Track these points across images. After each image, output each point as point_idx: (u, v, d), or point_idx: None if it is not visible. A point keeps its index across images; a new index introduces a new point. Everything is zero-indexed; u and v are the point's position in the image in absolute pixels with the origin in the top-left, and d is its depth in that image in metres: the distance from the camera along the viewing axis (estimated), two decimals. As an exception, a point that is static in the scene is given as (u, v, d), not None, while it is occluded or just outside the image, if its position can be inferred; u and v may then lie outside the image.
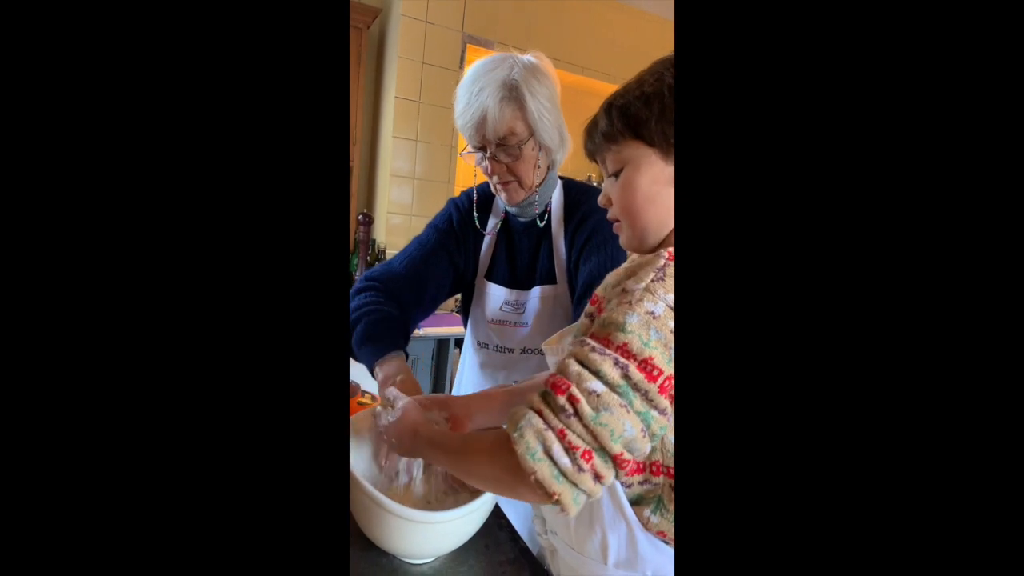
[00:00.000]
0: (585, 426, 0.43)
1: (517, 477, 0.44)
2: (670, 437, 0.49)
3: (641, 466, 0.51)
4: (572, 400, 0.43)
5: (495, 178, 0.87)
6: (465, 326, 1.04)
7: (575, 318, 0.87)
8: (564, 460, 0.43)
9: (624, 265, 0.56)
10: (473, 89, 0.82)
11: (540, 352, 0.93)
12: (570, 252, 0.89)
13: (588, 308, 0.49)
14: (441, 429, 0.65)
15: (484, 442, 0.53)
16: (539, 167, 0.87)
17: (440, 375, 2.07)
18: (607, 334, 0.44)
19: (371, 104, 2.33)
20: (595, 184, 2.06)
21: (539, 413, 0.44)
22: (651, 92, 0.50)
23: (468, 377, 1.04)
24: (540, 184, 0.89)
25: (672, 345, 0.42)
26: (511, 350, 0.95)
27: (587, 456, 0.43)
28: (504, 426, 0.48)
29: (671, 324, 0.42)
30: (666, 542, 0.52)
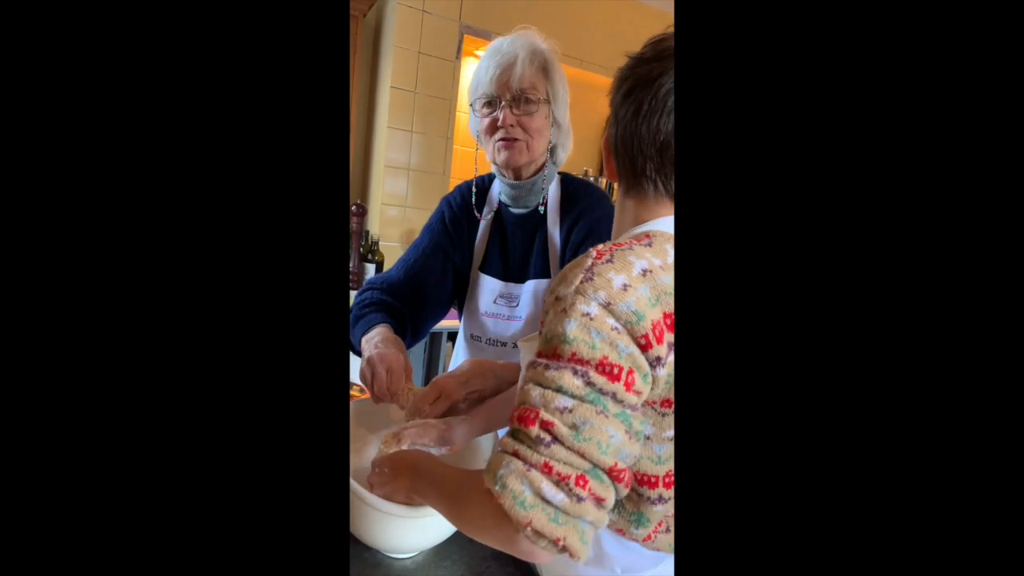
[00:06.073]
0: (569, 448, 0.39)
1: (507, 531, 0.40)
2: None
3: None
4: (546, 426, 0.39)
5: (501, 132, 0.85)
6: (460, 319, 1.03)
7: None
8: (559, 497, 0.39)
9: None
10: (505, 41, 0.84)
11: None
12: (565, 248, 0.89)
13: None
14: (438, 468, 0.56)
15: (471, 492, 0.45)
16: (548, 141, 0.89)
17: (432, 369, 2.06)
18: (554, 348, 0.42)
19: (366, 94, 2.30)
20: (592, 180, 2.05)
21: (516, 454, 0.40)
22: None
23: None
24: (541, 168, 0.89)
25: (617, 343, 0.41)
26: (504, 344, 0.94)
27: (581, 482, 0.39)
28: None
29: (609, 321, 0.41)
30: (627, 539, 0.52)
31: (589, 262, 0.44)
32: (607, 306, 0.41)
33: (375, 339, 0.77)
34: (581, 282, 0.43)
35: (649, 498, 0.48)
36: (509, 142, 0.85)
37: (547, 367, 0.42)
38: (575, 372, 0.41)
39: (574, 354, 0.41)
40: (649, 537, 0.50)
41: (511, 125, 0.84)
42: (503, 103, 0.83)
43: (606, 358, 0.41)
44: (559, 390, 0.40)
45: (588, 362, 0.41)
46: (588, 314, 0.41)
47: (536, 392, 0.41)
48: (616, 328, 0.41)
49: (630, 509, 0.49)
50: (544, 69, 0.85)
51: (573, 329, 0.41)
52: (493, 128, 0.85)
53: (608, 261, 0.43)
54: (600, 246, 0.46)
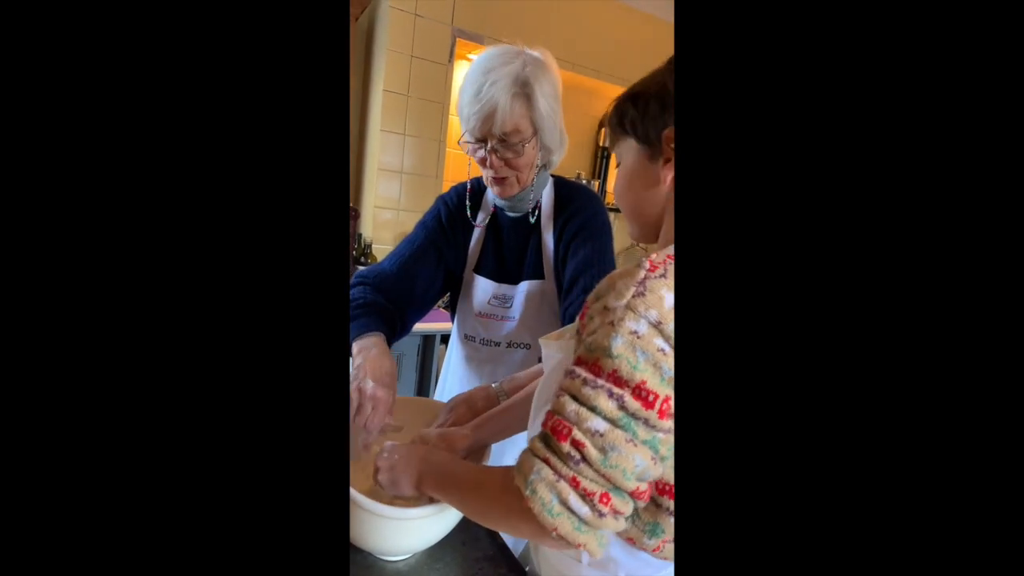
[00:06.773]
0: (596, 470, 0.41)
1: (536, 528, 0.43)
2: None
3: None
4: (577, 445, 0.41)
5: (491, 172, 0.87)
6: (453, 321, 1.04)
7: (561, 310, 0.88)
8: (583, 510, 0.42)
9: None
10: (484, 80, 0.81)
11: (526, 346, 0.94)
12: (557, 247, 0.90)
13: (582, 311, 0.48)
14: (448, 459, 0.61)
15: (495, 486, 0.49)
16: (536, 166, 0.89)
17: (425, 371, 2.06)
18: (595, 359, 0.42)
19: (359, 97, 2.30)
20: (584, 182, 2.06)
21: (546, 462, 0.43)
22: (640, 91, 0.51)
23: (453, 371, 1.05)
24: (533, 181, 0.90)
25: (661, 364, 0.40)
26: (497, 343, 0.96)
27: (605, 499, 0.42)
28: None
29: (656, 342, 0.40)
30: (636, 547, 0.52)
31: (642, 274, 0.42)
32: (657, 325, 0.40)
33: (372, 352, 0.76)
34: (633, 296, 0.41)
35: (668, 508, 0.48)
36: (499, 180, 0.87)
37: (585, 382, 0.42)
38: (611, 394, 0.41)
39: (615, 371, 0.41)
40: (658, 547, 0.50)
41: (499, 167, 0.85)
42: (489, 145, 0.84)
43: (644, 382, 0.40)
44: (593, 410, 0.41)
45: (627, 383, 0.41)
46: (636, 332, 0.41)
47: (572, 407, 0.42)
48: (663, 350, 0.40)
49: (646, 519, 0.49)
50: (528, 100, 0.82)
51: (619, 346, 0.41)
52: (483, 162, 0.87)
53: (661, 276, 0.42)
54: (654, 256, 0.44)
